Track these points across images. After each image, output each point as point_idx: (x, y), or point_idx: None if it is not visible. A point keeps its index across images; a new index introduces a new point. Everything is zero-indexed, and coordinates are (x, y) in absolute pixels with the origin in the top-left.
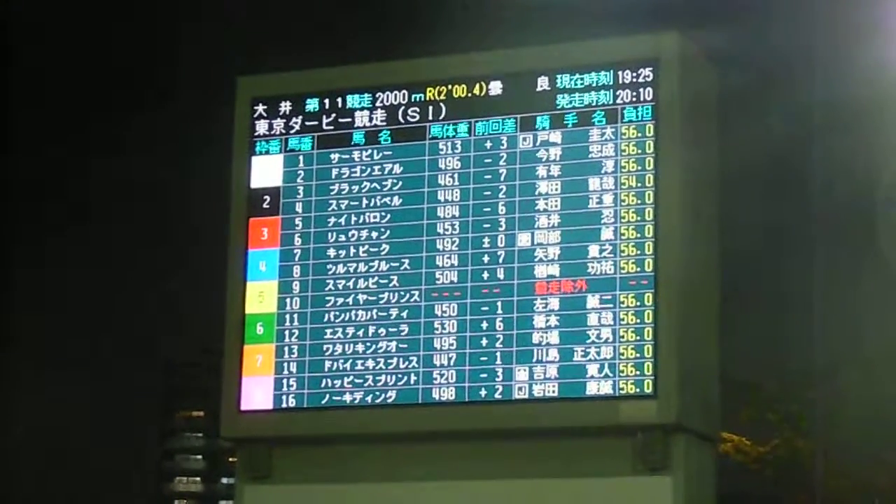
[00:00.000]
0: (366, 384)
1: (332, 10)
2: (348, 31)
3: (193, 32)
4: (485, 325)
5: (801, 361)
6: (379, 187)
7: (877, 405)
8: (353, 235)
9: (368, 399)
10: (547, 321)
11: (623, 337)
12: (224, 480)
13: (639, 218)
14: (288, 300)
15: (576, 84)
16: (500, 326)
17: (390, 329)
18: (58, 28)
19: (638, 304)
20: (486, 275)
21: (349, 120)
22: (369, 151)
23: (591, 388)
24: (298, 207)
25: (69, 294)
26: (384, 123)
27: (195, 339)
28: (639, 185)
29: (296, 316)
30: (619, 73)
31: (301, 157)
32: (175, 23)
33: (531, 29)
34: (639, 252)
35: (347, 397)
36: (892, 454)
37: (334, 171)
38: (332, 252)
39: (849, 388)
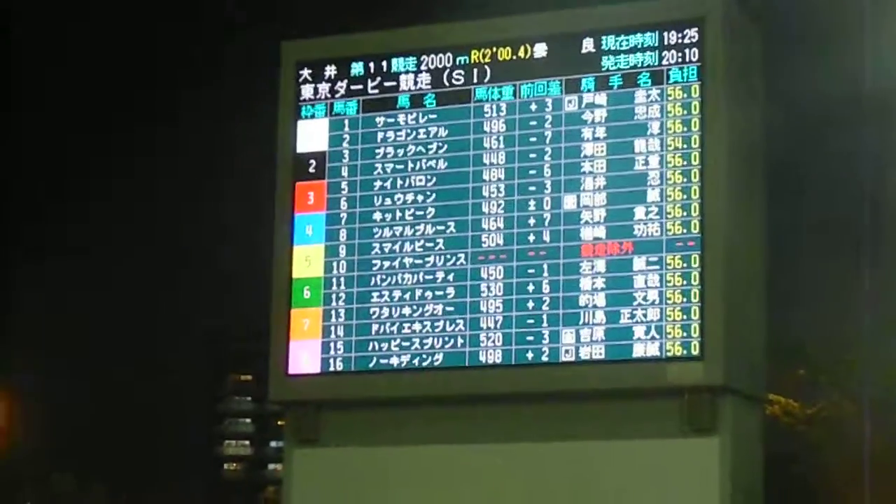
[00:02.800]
0: (413, 347)
1: None
2: None
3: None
4: (531, 287)
5: (849, 324)
6: (424, 151)
7: None
8: (398, 199)
9: (415, 362)
10: (593, 283)
11: (670, 299)
12: (273, 444)
13: (685, 179)
14: (334, 264)
15: (621, 45)
16: (546, 289)
17: (437, 292)
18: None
19: (684, 265)
20: (532, 237)
21: (394, 83)
22: (414, 115)
23: (638, 350)
24: (344, 171)
25: (115, 259)
26: (429, 87)
27: (243, 303)
28: (685, 146)
29: (342, 280)
30: (665, 34)
31: (346, 121)
32: None
33: None
34: (685, 213)
35: (394, 360)
36: None
37: (380, 135)
38: (377, 216)
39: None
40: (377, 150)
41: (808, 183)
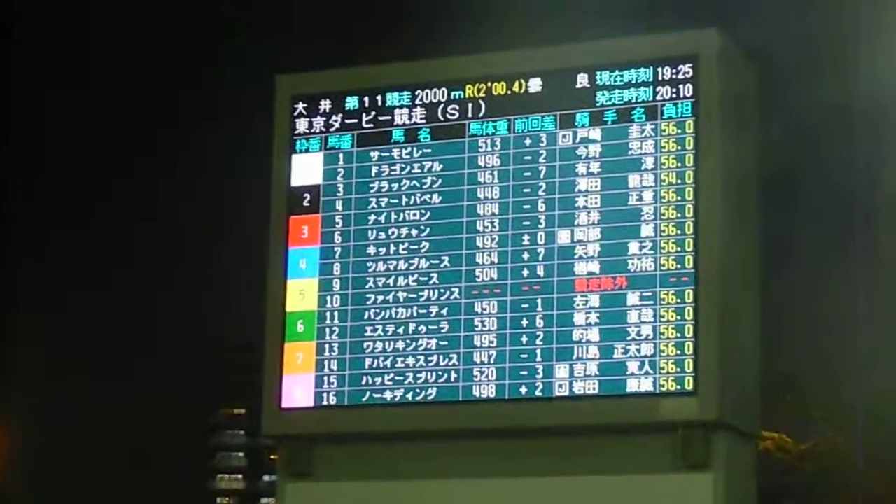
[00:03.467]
0: (406, 381)
1: (370, 8)
2: (386, 29)
3: (230, 30)
4: (525, 322)
5: (843, 359)
6: (419, 185)
7: None
8: (393, 233)
9: (409, 396)
10: (587, 318)
11: (663, 334)
12: (266, 478)
13: (679, 215)
14: (328, 298)
15: (615, 81)
16: (540, 324)
17: (430, 326)
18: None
19: (678, 300)
20: (526, 272)
21: (389, 118)
22: (409, 149)
23: (632, 385)
24: (338, 205)
25: (111, 291)
26: (424, 121)
27: (236, 336)
28: (679, 181)
29: (336, 314)
30: (659, 69)
31: (341, 155)
32: (211, 22)
33: (569, 26)
34: (679, 249)
35: (388, 395)
36: None
37: (374, 169)
38: (372, 250)
39: (891, 385)
40: (371, 184)
41: (803, 217)
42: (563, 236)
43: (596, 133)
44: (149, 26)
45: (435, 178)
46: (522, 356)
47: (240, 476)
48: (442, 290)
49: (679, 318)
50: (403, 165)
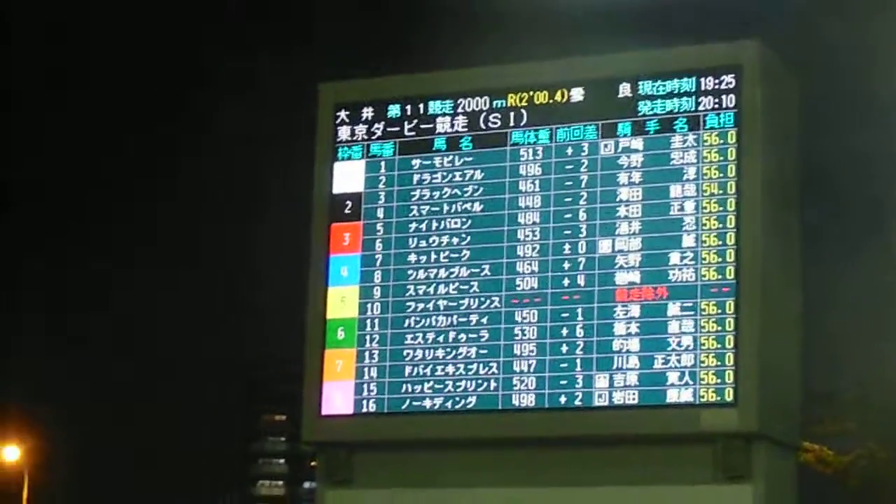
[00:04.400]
0: (446, 390)
1: (415, 15)
2: (430, 35)
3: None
4: (565, 331)
5: (884, 371)
6: (460, 193)
7: None
8: (433, 241)
9: (448, 405)
10: (627, 328)
11: (704, 345)
12: (306, 485)
13: (720, 225)
14: (369, 305)
15: (657, 90)
16: (580, 333)
17: (470, 335)
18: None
19: (719, 311)
20: (566, 281)
21: (431, 126)
22: (451, 157)
23: (672, 396)
24: (380, 213)
25: (153, 297)
26: (465, 129)
27: (278, 342)
28: (720, 192)
29: (376, 321)
30: (702, 79)
31: (383, 163)
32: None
33: (614, 36)
34: (720, 259)
35: (427, 403)
36: None
37: (416, 177)
38: (412, 257)
39: None
40: (413, 192)
41: (845, 228)
42: (604, 246)
43: (638, 143)
44: (159, 48)
45: (476, 187)
46: (562, 366)
47: (280, 483)
48: (482, 299)
49: (720, 328)
50: (445, 174)
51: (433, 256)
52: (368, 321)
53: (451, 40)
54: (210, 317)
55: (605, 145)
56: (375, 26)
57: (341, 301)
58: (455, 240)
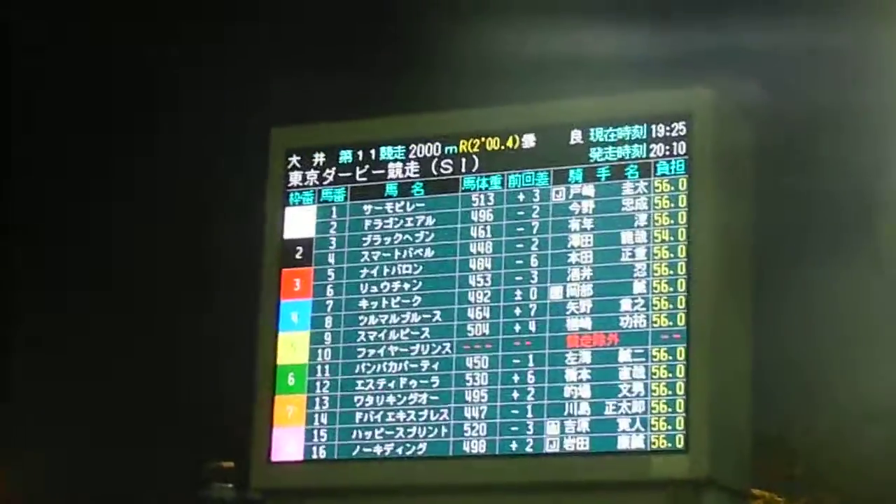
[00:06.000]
0: (396, 436)
1: (363, 59)
2: (380, 81)
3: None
4: (516, 378)
5: (830, 417)
6: (411, 239)
7: None
8: (385, 287)
9: (399, 451)
10: (578, 375)
11: (655, 391)
12: None
13: (671, 272)
14: (319, 351)
15: (609, 137)
16: (531, 379)
17: (421, 381)
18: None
19: (670, 358)
20: (517, 327)
21: (382, 171)
22: (402, 203)
23: (623, 443)
24: (331, 258)
25: (94, 344)
26: (417, 175)
27: (225, 389)
28: (671, 238)
29: (327, 367)
30: (653, 126)
31: (334, 209)
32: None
33: (564, 83)
34: (671, 306)
35: (378, 449)
36: None
37: (367, 223)
38: (363, 303)
39: (879, 444)
40: (364, 238)
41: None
42: (555, 292)
43: (589, 189)
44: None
45: (428, 233)
46: (513, 412)
47: None
48: (433, 345)
49: (670, 375)
50: (396, 219)
51: (384, 302)
52: (319, 367)
53: (404, 86)
54: (152, 362)
55: (557, 192)
56: (329, 71)
57: (292, 347)
58: (406, 285)
